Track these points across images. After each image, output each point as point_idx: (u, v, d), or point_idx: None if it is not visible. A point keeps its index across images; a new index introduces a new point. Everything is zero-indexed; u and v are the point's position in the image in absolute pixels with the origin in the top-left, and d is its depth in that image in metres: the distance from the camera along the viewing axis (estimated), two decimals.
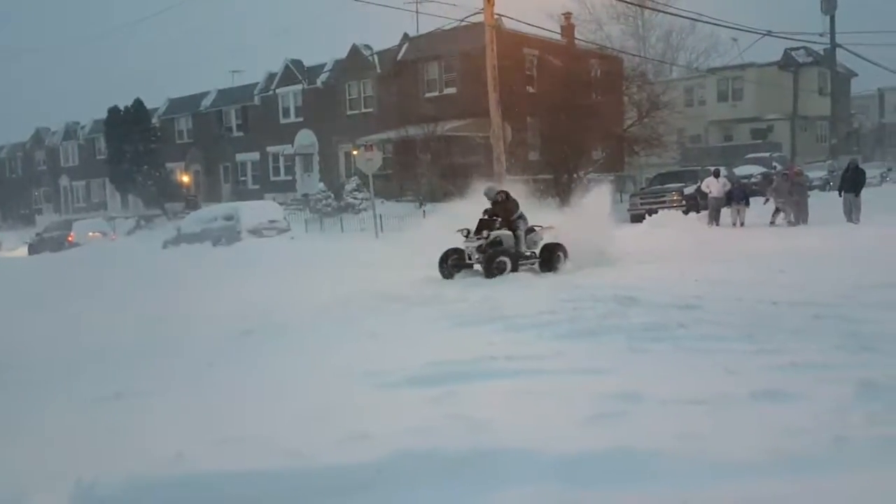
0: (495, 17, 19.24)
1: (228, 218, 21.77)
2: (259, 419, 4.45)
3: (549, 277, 10.81)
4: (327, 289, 10.51)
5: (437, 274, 11.13)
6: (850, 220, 16.17)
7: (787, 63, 38.53)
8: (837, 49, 33.56)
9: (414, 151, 27.83)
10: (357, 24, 39.19)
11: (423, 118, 27.16)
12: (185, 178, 39.35)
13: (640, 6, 35.61)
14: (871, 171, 24.79)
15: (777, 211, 17.44)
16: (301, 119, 34.66)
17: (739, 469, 3.40)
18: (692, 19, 30.36)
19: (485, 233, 11.13)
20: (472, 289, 9.86)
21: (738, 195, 18.03)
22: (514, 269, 10.91)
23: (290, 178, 35.54)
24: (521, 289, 9.61)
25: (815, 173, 27.72)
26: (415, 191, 27.69)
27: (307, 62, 35.52)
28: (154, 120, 39.99)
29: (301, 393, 5.04)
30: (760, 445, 3.59)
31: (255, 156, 37.34)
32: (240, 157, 38.13)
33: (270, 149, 36.20)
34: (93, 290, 12.90)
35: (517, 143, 25.21)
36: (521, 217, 11.62)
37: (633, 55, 34.03)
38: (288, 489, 3.42)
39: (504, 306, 8.10)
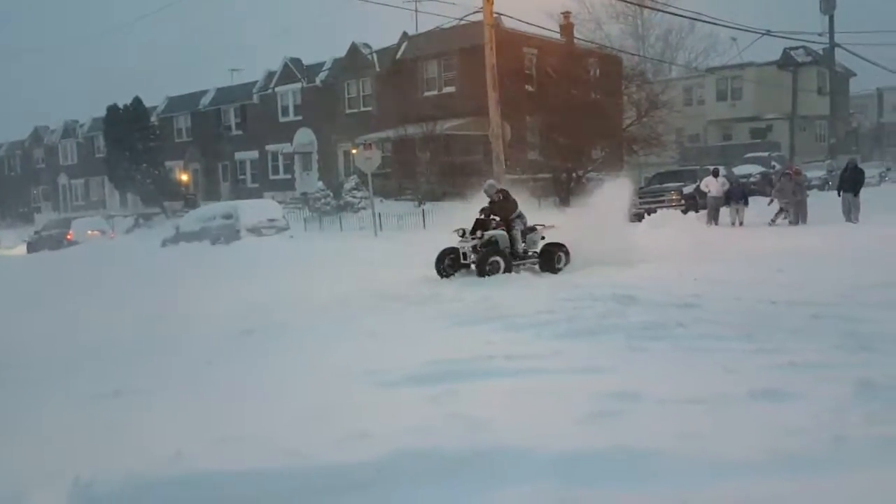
0: (494, 15, 19.24)
1: (227, 216, 21.74)
2: (258, 418, 4.45)
3: (549, 277, 10.81)
4: (326, 288, 10.50)
5: (436, 273, 11.12)
6: (848, 219, 16.18)
7: (786, 62, 38.56)
8: (836, 48, 33.60)
9: (413, 150, 27.83)
10: (356, 22, 39.13)
11: (423, 117, 27.15)
12: (184, 177, 39.33)
13: (639, 5, 35.61)
14: (870, 171, 24.81)
15: (781, 211, 17.40)
16: (300, 118, 34.63)
17: (738, 468, 3.40)
18: (691, 19, 30.40)
19: (479, 232, 11.11)
20: (470, 288, 9.86)
21: (737, 195, 18.03)
22: (508, 269, 10.81)
23: (289, 176, 35.52)
24: (520, 288, 9.61)
25: (814, 173, 27.73)
26: (414, 190, 27.67)
27: (306, 61, 35.50)
28: (153, 118, 39.95)
29: (300, 392, 5.03)
30: (759, 445, 3.59)
31: (254, 154, 37.32)
32: (239, 155, 38.10)
33: (269, 147, 36.17)
34: (91, 288, 12.89)
35: (516, 142, 25.21)
36: (520, 216, 11.59)
37: (633, 54, 34.04)
38: (287, 488, 3.41)
39: (503, 305, 8.11)
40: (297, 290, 10.65)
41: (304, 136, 33.54)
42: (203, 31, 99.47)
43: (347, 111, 32.50)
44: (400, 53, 30.77)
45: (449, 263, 11.13)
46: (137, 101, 37.78)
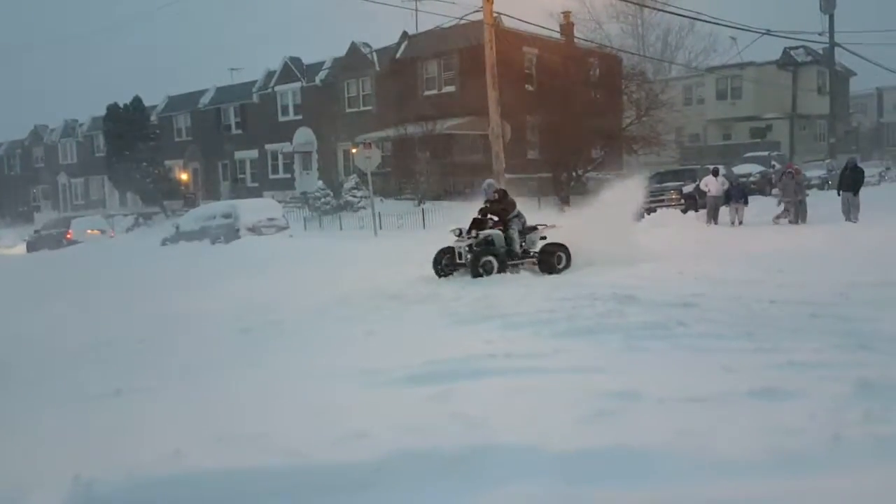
0: (494, 15, 19.25)
1: (227, 216, 21.77)
2: (257, 417, 4.45)
3: (549, 276, 10.79)
4: (326, 287, 10.51)
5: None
6: (848, 219, 16.18)
7: (786, 62, 38.56)
8: (836, 48, 33.58)
9: (413, 149, 27.84)
10: (356, 22, 39.19)
11: (422, 116, 27.17)
12: (184, 176, 39.33)
13: (639, 5, 35.62)
14: (870, 171, 24.79)
15: (786, 210, 17.36)
16: (300, 117, 34.64)
17: (737, 467, 3.40)
18: (691, 18, 30.39)
19: (473, 232, 11.09)
20: (470, 287, 9.86)
21: (737, 194, 18.03)
22: (502, 269, 10.74)
23: (288, 175, 35.52)
24: (520, 287, 9.60)
25: (814, 172, 27.73)
26: (413, 189, 27.68)
27: (306, 60, 35.51)
28: (153, 117, 39.98)
29: (299, 391, 5.03)
30: (758, 443, 3.59)
31: (254, 153, 37.32)
32: (238, 154, 38.11)
33: (269, 147, 36.18)
34: (91, 287, 12.91)
35: (516, 142, 25.22)
36: (518, 216, 11.54)
37: (633, 54, 34.03)
38: (286, 487, 3.41)
39: (502, 304, 8.11)
40: (296, 289, 10.66)
41: (304, 136, 33.54)
42: (203, 30, 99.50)
43: (347, 110, 32.50)
44: (400, 53, 30.77)
45: (446, 263, 11.12)
46: (137, 101, 37.81)
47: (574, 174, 27.96)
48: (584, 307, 7.58)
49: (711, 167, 19.81)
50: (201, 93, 40.29)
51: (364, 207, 24.94)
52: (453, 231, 11.25)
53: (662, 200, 21.57)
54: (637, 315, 7.02)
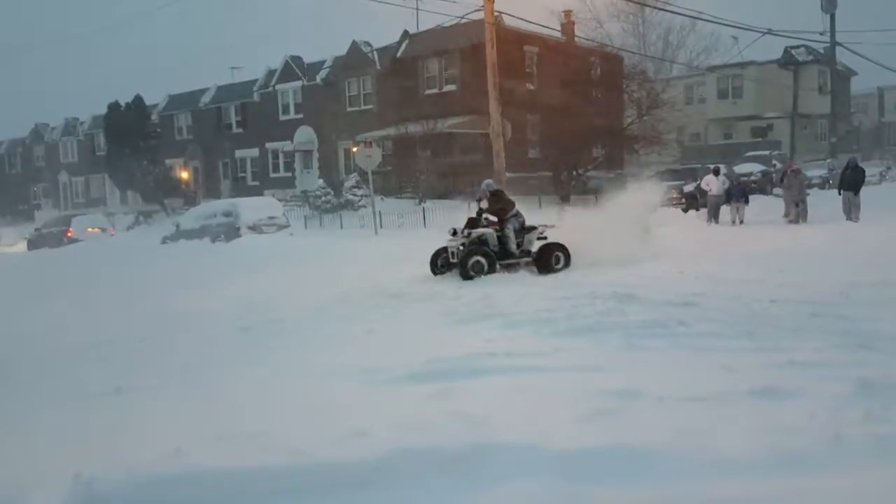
0: (495, 14, 19.24)
1: (227, 214, 21.76)
2: (257, 415, 4.45)
3: (549, 275, 10.78)
4: (326, 285, 10.51)
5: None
6: (849, 218, 16.16)
7: (788, 61, 38.51)
8: (837, 47, 33.53)
9: (413, 148, 27.82)
10: (357, 20, 39.17)
11: (423, 115, 27.14)
12: (185, 175, 39.32)
13: (641, 4, 35.58)
14: (871, 170, 24.76)
15: (796, 206, 17.26)
16: (300, 116, 34.62)
17: (738, 466, 3.40)
18: (693, 17, 30.37)
19: (466, 231, 11.07)
20: (470, 286, 9.86)
21: (738, 193, 18.03)
22: (492, 269, 10.63)
23: (289, 174, 35.51)
24: (520, 286, 9.60)
25: (815, 172, 27.71)
26: (414, 188, 27.67)
27: (307, 59, 35.47)
28: (154, 116, 39.96)
29: (299, 389, 5.04)
30: (758, 443, 3.59)
31: (255, 152, 37.31)
32: (239, 153, 38.09)
33: (270, 145, 36.17)
34: (91, 285, 12.92)
35: (517, 141, 25.22)
36: (516, 215, 11.44)
37: (634, 53, 34.01)
38: (286, 485, 3.42)
39: (502, 303, 8.11)
40: (296, 287, 10.66)
41: (305, 134, 33.53)
42: (203, 30, 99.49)
43: (348, 109, 32.48)
44: (401, 52, 30.76)
45: (442, 263, 11.09)
46: (138, 99, 37.80)
47: (575, 173, 27.94)
48: (585, 306, 7.58)
49: (712, 166, 19.80)
50: (202, 91, 40.28)
51: (364, 206, 24.91)
52: (450, 231, 11.23)
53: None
54: (637, 314, 7.02)
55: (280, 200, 26.76)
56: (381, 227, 21.64)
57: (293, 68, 35.00)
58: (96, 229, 28.83)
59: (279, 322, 8.12)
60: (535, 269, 11.23)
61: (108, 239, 27.88)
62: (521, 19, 23.21)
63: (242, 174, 38.32)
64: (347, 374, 5.35)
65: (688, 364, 5.21)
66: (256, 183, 36.74)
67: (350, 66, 32.46)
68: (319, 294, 9.79)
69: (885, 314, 6.64)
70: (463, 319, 7.45)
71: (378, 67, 31.46)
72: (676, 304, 7.52)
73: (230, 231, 20.62)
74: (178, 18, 76.93)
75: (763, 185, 24.56)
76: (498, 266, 10.89)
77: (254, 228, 20.89)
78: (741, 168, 26.12)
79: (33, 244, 28.80)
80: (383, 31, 45.72)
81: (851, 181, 16.50)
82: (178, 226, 22.90)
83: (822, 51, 36.57)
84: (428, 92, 29.75)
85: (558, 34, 30.26)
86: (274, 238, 19.62)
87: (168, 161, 38.91)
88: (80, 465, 3.51)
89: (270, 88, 35.88)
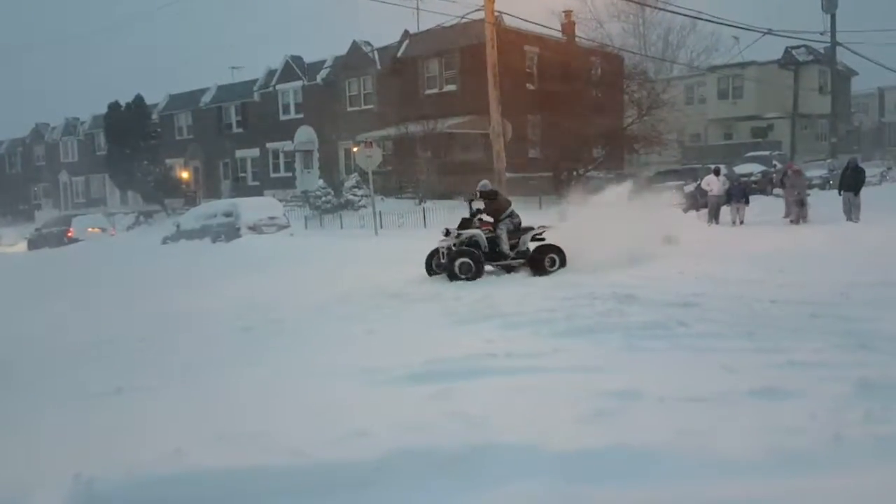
0: (496, 14, 19.24)
1: (228, 214, 21.76)
2: (258, 415, 4.45)
3: (549, 276, 10.75)
4: (326, 285, 10.51)
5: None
6: (849, 218, 16.15)
7: (788, 61, 38.49)
8: (838, 47, 33.51)
9: (414, 148, 27.82)
10: (357, 20, 39.15)
11: (423, 115, 27.15)
12: (185, 175, 39.33)
13: (641, 4, 35.58)
14: (871, 170, 24.76)
15: (802, 205, 17.23)
16: (301, 115, 34.63)
17: (738, 466, 3.41)
18: (693, 17, 30.32)
19: (456, 232, 11.04)
20: (469, 286, 9.85)
21: (738, 193, 18.02)
22: (479, 272, 10.54)
23: (289, 174, 35.52)
24: (519, 287, 9.60)
25: (815, 172, 27.69)
26: (414, 188, 27.67)
27: (307, 59, 35.48)
28: (154, 116, 39.98)
29: (299, 389, 5.04)
30: (759, 443, 3.59)
31: (255, 152, 37.31)
32: (239, 153, 38.10)
33: (270, 145, 36.17)
34: (92, 285, 12.92)
35: (517, 141, 25.21)
36: (511, 216, 11.35)
37: (634, 53, 33.98)
38: (286, 485, 3.42)
39: (502, 304, 8.10)
40: (297, 287, 10.66)
41: (305, 134, 33.54)
42: (203, 30, 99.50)
43: (348, 109, 32.49)
44: (401, 52, 30.75)
45: (437, 263, 11.05)
46: (139, 99, 37.83)
47: (575, 173, 27.95)
48: (584, 306, 7.58)
49: (713, 166, 19.79)
50: (202, 91, 40.28)
51: (365, 206, 24.92)
52: (443, 231, 11.21)
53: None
54: (637, 314, 7.02)
55: (280, 200, 26.76)
56: (382, 227, 21.64)
57: (293, 68, 35.01)
58: (96, 229, 28.84)
59: (279, 322, 8.12)
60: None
61: (109, 239, 27.89)
62: (522, 19, 23.24)
63: (243, 174, 38.32)
64: (348, 374, 5.35)
65: (688, 364, 5.22)
66: (257, 183, 36.74)
67: (350, 65, 32.46)
68: (320, 294, 9.80)
69: (885, 314, 6.64)
70: (463, 320, 7.45)
71: (378, 67, 31.46)
72: (676, 304, 7.52)
73: (230, 231, 20.62)
74: (178, 18, 76.97)
75: (763, 186, 24.54)
76: (489, 267, 10.85)
77: (254, 229, 20.89)
78: (741, 168, 26.10)
79: (34, 244, 28.81)
80: (384, 31, 45.72)
81: (852, 182, 16.49)
82: (178, 226, 22.90)
83: (822, 51, 36.54)
84: (428, 92, 29.76)
85: (559, 34, 30.23)
86: (274, 238, 19.63)
87: (168, 161, 38.92)
88: (81, 465, 3.51)
89: (271, 88, 35.89)
